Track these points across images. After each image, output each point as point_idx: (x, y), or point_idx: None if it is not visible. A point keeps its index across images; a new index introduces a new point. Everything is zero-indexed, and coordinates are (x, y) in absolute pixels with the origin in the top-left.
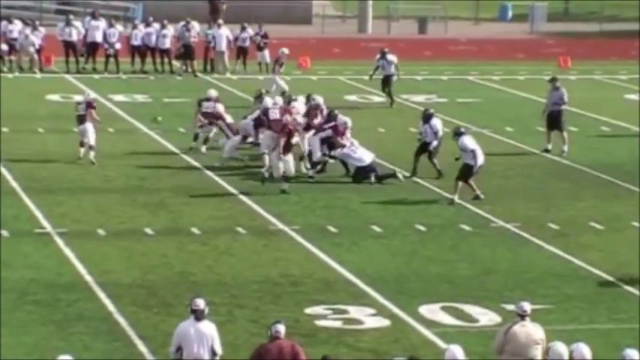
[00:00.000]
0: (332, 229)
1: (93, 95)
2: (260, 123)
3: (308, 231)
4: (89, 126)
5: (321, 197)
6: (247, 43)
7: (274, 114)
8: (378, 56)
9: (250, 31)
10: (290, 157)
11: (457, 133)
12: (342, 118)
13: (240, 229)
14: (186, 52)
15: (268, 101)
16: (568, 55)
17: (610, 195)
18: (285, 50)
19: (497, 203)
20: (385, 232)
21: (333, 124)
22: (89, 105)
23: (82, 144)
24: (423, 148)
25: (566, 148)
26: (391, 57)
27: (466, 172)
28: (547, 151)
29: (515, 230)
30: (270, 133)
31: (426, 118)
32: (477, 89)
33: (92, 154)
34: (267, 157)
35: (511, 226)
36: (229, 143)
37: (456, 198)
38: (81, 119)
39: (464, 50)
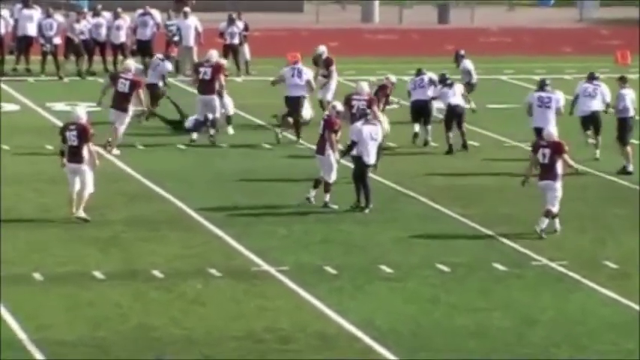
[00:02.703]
0: (330, 269)
1: (25, 102)
2: None
3: (300, 273)
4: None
5: (316, 229)
6: (237, 40)
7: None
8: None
9: (240, 24)
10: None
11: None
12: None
13: (213, 272)
14: (141, 49)
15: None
16: (627, 48)
17: None
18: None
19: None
20: (398, 273)
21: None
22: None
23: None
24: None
25: (631, 167)
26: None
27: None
28: (626, 172)
29: (562, 270)
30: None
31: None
32: (512, 92)
33: None
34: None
35: (557, 265)
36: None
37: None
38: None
39: (496, 43)
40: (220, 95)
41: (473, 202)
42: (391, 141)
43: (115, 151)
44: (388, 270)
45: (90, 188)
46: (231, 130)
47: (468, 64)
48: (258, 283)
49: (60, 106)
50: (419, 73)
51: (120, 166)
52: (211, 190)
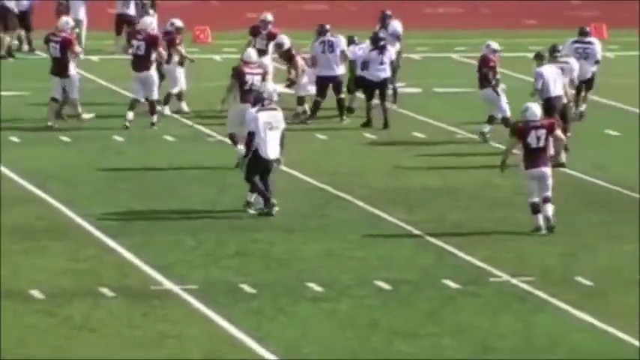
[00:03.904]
0: (247, 288)
1: None
2: None
3: (210, 292)
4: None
5: (229, 239)
6: (131, 9)
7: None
8: None
9: None
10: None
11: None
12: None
13: (105, 291)
14: (16, 20)
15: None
16: (603, 22)
17: None
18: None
19: (500, 247)
20: (329, 292)
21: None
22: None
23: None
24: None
25: (563, 157)
26: None
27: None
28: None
29: (526, 287)
30: None
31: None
32: (465, 73)
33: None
34: None
35: (520, 282)
36: None
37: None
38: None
39: (445, 15)
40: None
41: (419, 206)
42: (321, 132)
43: (86, 116)
44: (317, 288)
45: None
46: (167, 111)
47: (398, 26)
48: (160, 304)
49: None
50: (351, 40)
51: None
52: (103, 193)
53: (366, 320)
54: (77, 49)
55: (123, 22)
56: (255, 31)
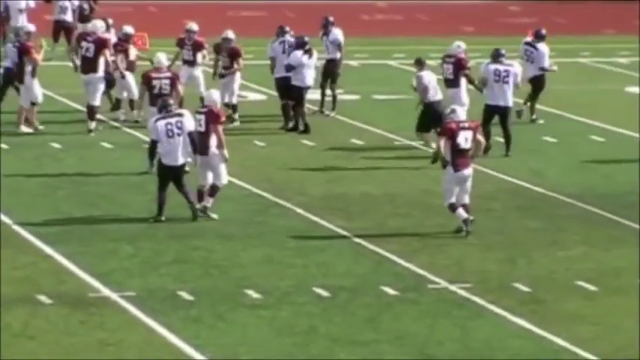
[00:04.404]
0: (185, 295)
1: None
2: None
3: (149, 299)
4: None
5: (167, 246)
6: (69, 16)
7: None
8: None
9: None
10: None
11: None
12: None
13: (43, 298)
14: None
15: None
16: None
17: (607, 239)
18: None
19: (438, 253)
20: (267, 298)
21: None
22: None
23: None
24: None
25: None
26: None
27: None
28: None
29: (464, 294)
30: None
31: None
32: (404, 80)
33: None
34: None
35: (458, 288)
36: None
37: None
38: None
39: (383, 21)
40: (122, 76)
41: (357, 213)
42: (259, 139)
43: (24, 128)
44: (255, 295)
45: None
46: (125, 116)
47: (339, 34)
48: (98, 312)
49: None
50: (283, 32)
51: None
52: (41, 200)
53: (305, 327)
54: (36, 56)
55: (60, 29)
56: (180, 43)
